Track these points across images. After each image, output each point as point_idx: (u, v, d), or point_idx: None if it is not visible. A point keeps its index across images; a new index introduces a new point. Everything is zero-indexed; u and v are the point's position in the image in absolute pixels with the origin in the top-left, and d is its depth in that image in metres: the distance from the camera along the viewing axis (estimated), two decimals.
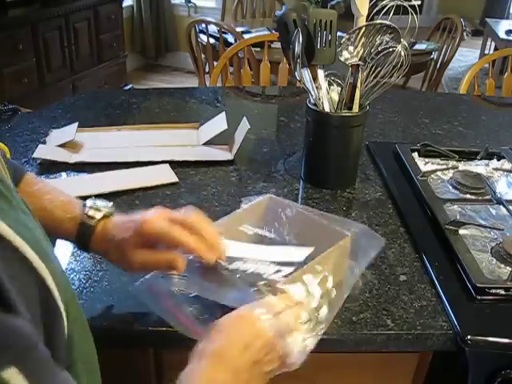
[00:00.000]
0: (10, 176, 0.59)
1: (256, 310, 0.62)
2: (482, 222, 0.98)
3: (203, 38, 3.02)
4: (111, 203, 0.75)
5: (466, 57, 5.08)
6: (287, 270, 0.70)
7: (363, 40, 1.01)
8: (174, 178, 1.11)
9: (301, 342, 0.63)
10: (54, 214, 0.72)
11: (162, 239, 0.68)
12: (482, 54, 4.50)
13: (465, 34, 3.26)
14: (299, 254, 0.74)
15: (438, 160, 1.21)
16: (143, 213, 0.71)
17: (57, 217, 0.72)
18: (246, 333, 0.61)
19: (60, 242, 0.84)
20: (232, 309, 0.64)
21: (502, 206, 1.03)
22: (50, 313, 0.41)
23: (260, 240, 0.81)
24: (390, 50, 0.96)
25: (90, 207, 0.73)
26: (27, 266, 0.40)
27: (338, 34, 1.04)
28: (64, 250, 0.89)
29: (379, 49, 0.98)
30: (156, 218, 0.69)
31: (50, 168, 1.14)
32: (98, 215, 0.72)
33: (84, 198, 0.76)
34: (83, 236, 0.72)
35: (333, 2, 1.17)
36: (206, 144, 1.26)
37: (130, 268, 0.71)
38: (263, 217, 0.85)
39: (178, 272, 0.69)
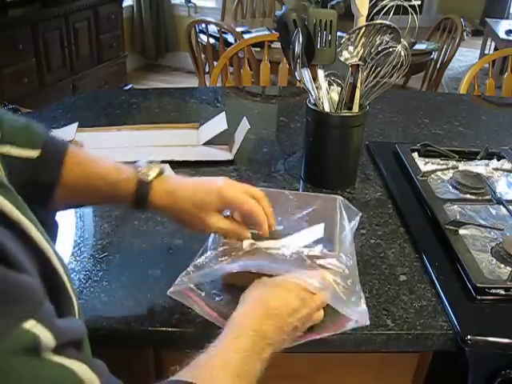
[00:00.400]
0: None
1: (309, 279, 0.69)
2: (482, 222, 0.98)
3: (203, 37, 3.02)
4: (159, 160, 0.78)
5: (466, 57, 5.08)
6: (318, 247, 0.79)
7: (363, 40, 1.01)
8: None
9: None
10: (108, 178, 0.74)
11: (239, 207, 0.76)
12: (482, 54, 4.50)
13: (465, 34, 3.26)
14: (317, 231, 0.83)
15: (438, 160, 1.21)
16: (209, 179, 0.78)
17: (110, 180, 0.74)
18: (298, 298, 0.68)
19: (59, 243, 0.84)
20: None
21: (501, 206, 1.03)
22: (59, 295, 0.46)
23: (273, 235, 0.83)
24: (390, 49, 0.96)
25: (143, 166, 0.76)
26: (32, 245, 0.43)
27: (338, 34, 1.04)
28: (64, 250, 0.89)
29: (379, 49, 0.98)
30: (232, 186, 0.77)
31: None
32: (153, 173, 0.75)
33: None
34: (142, 194, 0.74)
35: (333, 2, 1.17)
36: (206, 144, 1.26)
37: (199, 228, 0.76)
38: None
39: (239, 248, 0.76)
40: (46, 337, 0.39)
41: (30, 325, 0.38)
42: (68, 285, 0.48)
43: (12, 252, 0.39)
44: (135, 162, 0.78)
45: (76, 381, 0.40)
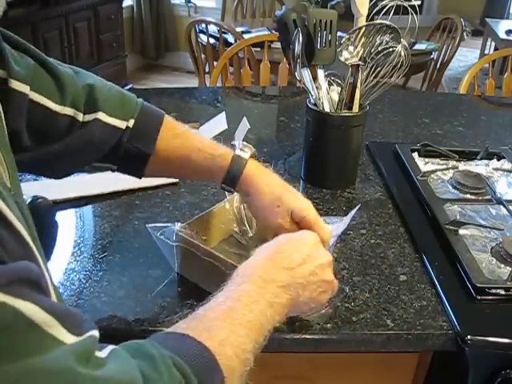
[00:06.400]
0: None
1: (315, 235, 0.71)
2: (482, 222, 0.98)
3: (203, 37, 3.01)
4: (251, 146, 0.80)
5: (466, 57, 5.08)
6: None
7: (363, 40, 1.01)
8: (173, 178, 1.10)
9: None
10: (204, 151, 0.76)
11: (310, 228, 0.76)
12: (482, 54, 4.50)
13: (465, 34, 3.26)
14: None
15: (437, 160, 1.21)
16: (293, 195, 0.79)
17: (207, 154, 0.76)
18: (312, 248, 0.68)
19: (59, 243, 0.84)
20: None
21: (502, 206, 1.03)
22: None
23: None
24: (390, 49, 0.96)
25: (239, 145, 0.78)
26: (22, 242, 0.41)
27: (338, 34, 1.04)
28: (64, 250, 0.89)
29: (379, 49, 0.98)
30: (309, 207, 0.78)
31: None
32: (247, 154, 0.77)
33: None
34: (236, 170, 0.76)
35: (333, 2, 1.17)
36: None
37: (269, 222, 0.77)
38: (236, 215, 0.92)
39: None
40: None
41: (22, 304, 0.36)
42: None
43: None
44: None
45: (20, 319, 0.36)
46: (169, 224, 0.79)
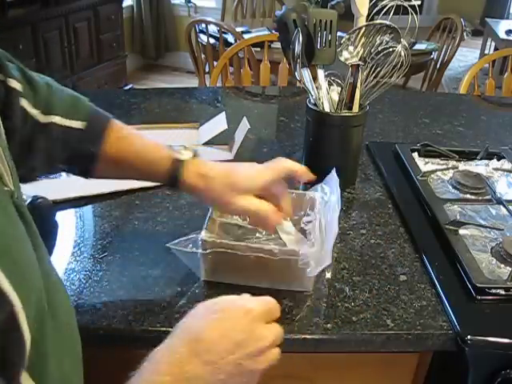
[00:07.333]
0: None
1: (258, 307, 0.59)
2: (482, 222, 0.98)
3: (203, 38, 3.01)
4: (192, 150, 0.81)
5: (466, 57, 5.08)
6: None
7: (363, 40, 1.01)
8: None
9: None
10: (145, 155, 0.78)
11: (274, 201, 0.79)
12: (482, 54, 4.50)
13: (465, 34, 3.26)
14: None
15: (437, 160, 1.21)
16: (242, 163, 0.82)
17: (147, 158, 0.78)
18: (243, 330, 0.57)
19: (59, 243, 0.84)
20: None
21: (502, 206, 1.03)
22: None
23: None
24: (390, 49, 0.96)
25: (179, 148, 0.79)
26: None
27: (338, 34, 1.04)
28: (64, 250, 0.89)
29: (379, 49, 0.98)
30: (267, 170, 0.81)
31: None
32: (188, 153, 0.79)
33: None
34: (175, 172, 0.77)
35: (333, 2, 1.17)
36: (206, 144, 1.26)
37: (230, 208, 0.79)
38: None
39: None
40: None
41: None
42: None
43: None
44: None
45: None
46: (191, 236, 0.78)
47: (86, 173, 0.79)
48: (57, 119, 0.73)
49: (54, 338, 0.46)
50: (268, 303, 0.60)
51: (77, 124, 0.74)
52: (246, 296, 0.61)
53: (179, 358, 0.54)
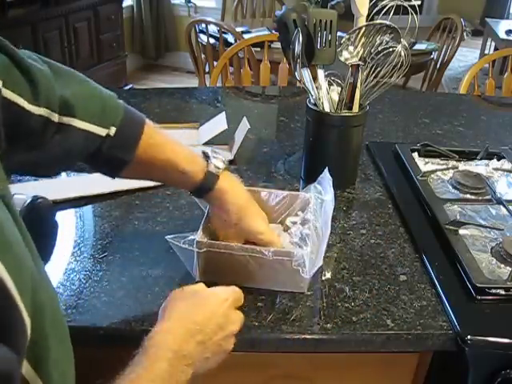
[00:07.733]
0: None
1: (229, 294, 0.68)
2: (482, 222, 0.98)
3: (203, 37, 3.01)
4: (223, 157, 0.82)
5: (466, 57, 5.08)
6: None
7: (363, 40, 1.01)
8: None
9: None
10: (178, 165, 0.78)
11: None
12: (482, 54, 4.50)
13: (465, 34, 3.26)
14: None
15: (437, 160, 1.21)
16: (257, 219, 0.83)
17: (180, 168, 0.78)
18: (223, 314, 0.66)
19: (59, 243, 0.84)
20: None
21: (502, 206, 1.03)
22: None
23: None
24: (390, 49, 0.96)
25: (212, 158, 0.81)
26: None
27: (338, 34, 1.04)
28: (64, 250, 0.89)
29: (379, 49, 0.98)
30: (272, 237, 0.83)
31: None
32: (222, 166, 0.80)
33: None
34: (208, 185, 0.79)
35: (333, 2, 1.17)
36: (206, 144, 1.26)
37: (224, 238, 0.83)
38: None
39: None
40: None
41: None
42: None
43: None
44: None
45: None
46: (187, 234, 0.79)
47: (114, 175, 0.79)
48: (77, 123, 0.69)
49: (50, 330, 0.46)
50: (237, 292, 0.70)
51: (103, 130, 0.72)
52: (218, 287, 0.70)
53: (178, 337, 0.61)
